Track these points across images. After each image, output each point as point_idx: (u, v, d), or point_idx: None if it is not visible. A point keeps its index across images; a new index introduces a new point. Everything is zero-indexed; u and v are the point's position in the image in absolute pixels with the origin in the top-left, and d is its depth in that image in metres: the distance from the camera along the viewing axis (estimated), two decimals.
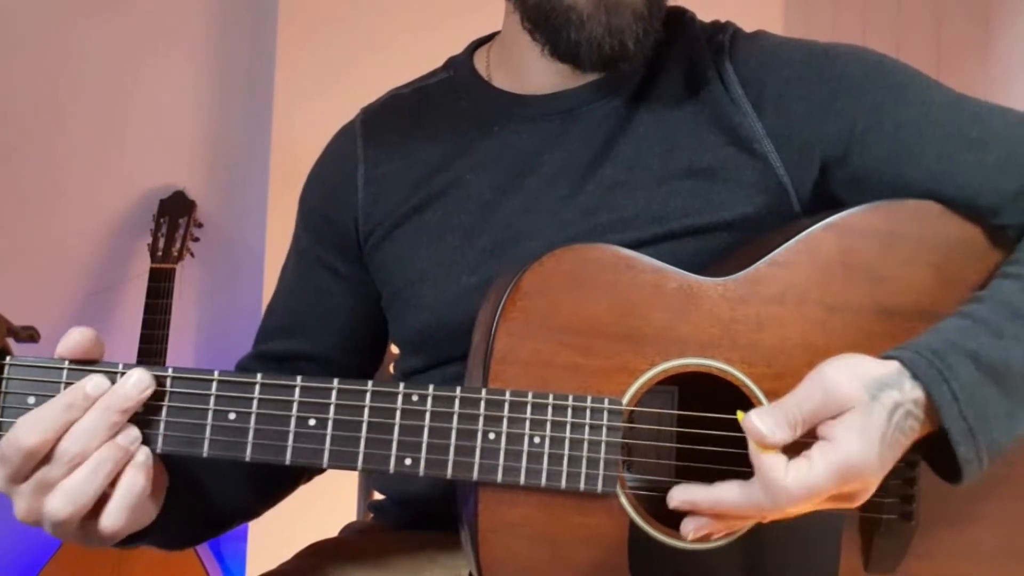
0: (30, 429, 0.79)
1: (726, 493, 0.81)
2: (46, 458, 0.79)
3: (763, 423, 0.79)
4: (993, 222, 0.94)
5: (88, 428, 0.79)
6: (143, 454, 0.82)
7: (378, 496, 1.23)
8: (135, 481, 0.81)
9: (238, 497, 1.08)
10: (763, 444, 0.79)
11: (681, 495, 0.82)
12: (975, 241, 0.94)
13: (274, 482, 1.14)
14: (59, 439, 0.79)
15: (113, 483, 0.81)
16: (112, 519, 0.81)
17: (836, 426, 0.79)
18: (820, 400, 0.80)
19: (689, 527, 0.83)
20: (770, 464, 0.78)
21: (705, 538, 0.84)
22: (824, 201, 1.01)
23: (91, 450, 0.79)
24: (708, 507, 0.81)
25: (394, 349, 1.25)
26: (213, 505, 1.03)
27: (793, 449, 0.79)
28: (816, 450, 0.79)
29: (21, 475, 0.80)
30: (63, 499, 0.79)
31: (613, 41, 1.00)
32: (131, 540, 0.90)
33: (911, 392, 0.81)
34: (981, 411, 0.81)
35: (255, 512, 1.15)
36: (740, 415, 0.81)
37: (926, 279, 0.92)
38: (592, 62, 1.02)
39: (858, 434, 0.78)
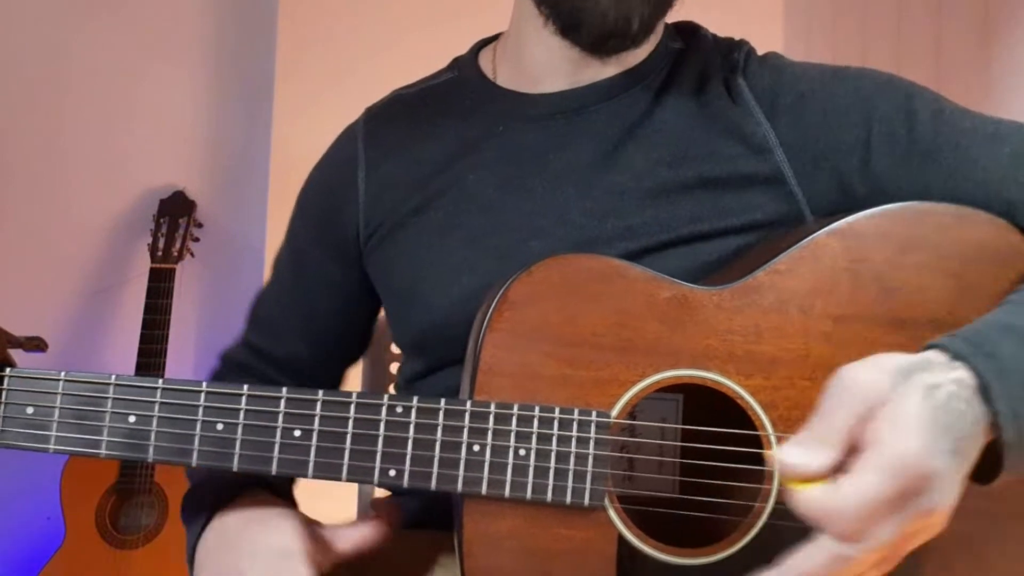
0: None
1: (800, 561, 0.71)
2: None
3: (796, 457, 0.71)
4: (1017, 218, 0.90)
5: None
6: None
7: (379, 493, 1.22)
8: None
9: None
10: (804, 477, 0.70)
11: None
12: (995, 246, 0.89)
13: None
14: None
15: None
16: None
17: (871, 429, 0.70)
18: (846, 404, 0.71)
19: None
20: (814, 497, 0.70)
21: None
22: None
23: None
24: None
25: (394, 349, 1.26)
26: None
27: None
28: (859, 460, 0.70)
29: None
30: None
31: (618, 15, 0.99)
32: None
33: (949, 372, 0.73)
34: None
35: None
36: (768, 455, 0.74)
37: (942, 287, 0.88)
38: (593, 34, 1.00)
39: (894, 425, 0.69)
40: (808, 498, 0.70)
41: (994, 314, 0.81)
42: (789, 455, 0.71)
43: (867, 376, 0.72)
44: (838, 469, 0.71)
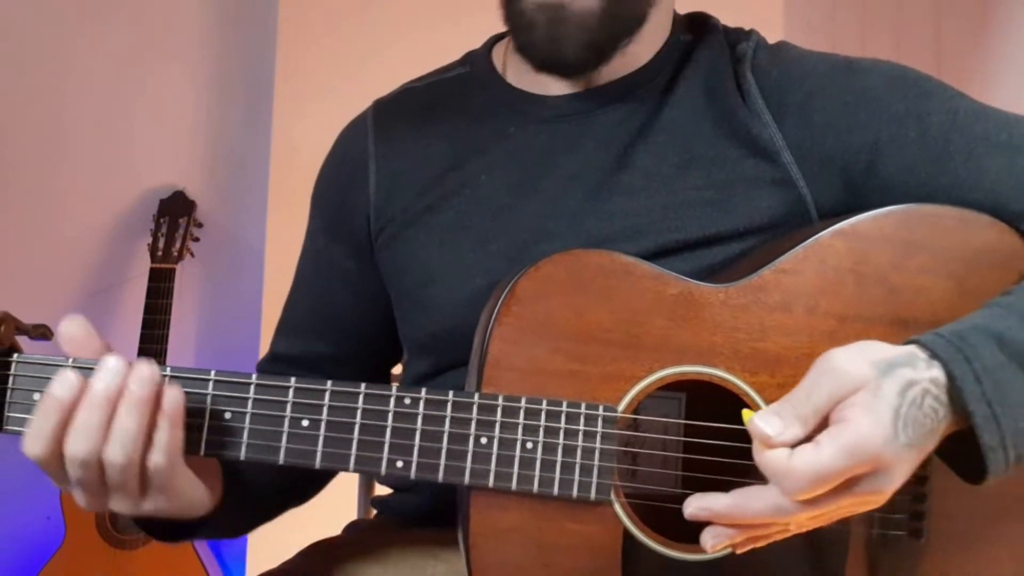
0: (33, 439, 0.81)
1: (744, 498, 0.78)
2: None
3: (769, 425, 0.76)
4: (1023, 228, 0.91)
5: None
6: (172, 402, 0.82)
7: (381, 491, 1.22)
8: (166, 427, 0.82)
9: (282, 482, 1.10)
10: (769, 445, 0.76)
11: (697, 502, 0.80)
12: (998, 250, 0.90)
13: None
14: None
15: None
16: (158, 458, 0.82)
17: (844, 407, 0.75)
18: (828, 386, 0.76)
19: (708, 538, 0.80)
20: (773, 455, 0.75)
21: (732, 549, 0.81)
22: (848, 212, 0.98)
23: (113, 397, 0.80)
24: (726, 514, 0.79)
25: None
26: (264, 491, 1.05)
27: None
28: (824, 433, 0.75)
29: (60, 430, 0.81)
30: (118, 445, 0.80)
31: (553, 47, 1.00)
32: (190, 531, 0.94)
33: (927, 371, 0.77)
34: (1005, 395, 0.77)
35: (305, 495, 1.18)
36: (747, 415, 0.78)
37: (944, 289, 0.88)
38: (538, 64, 1.03)
39: (865, 410, 0.74)
40: (768, 456, 0.76)
41: (980, 316, 0.82)
42: (766, 424, 0.76)
43: (853, 365, 0.76)
44: (807, 438, 0.76)
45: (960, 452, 0.80)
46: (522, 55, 1.04)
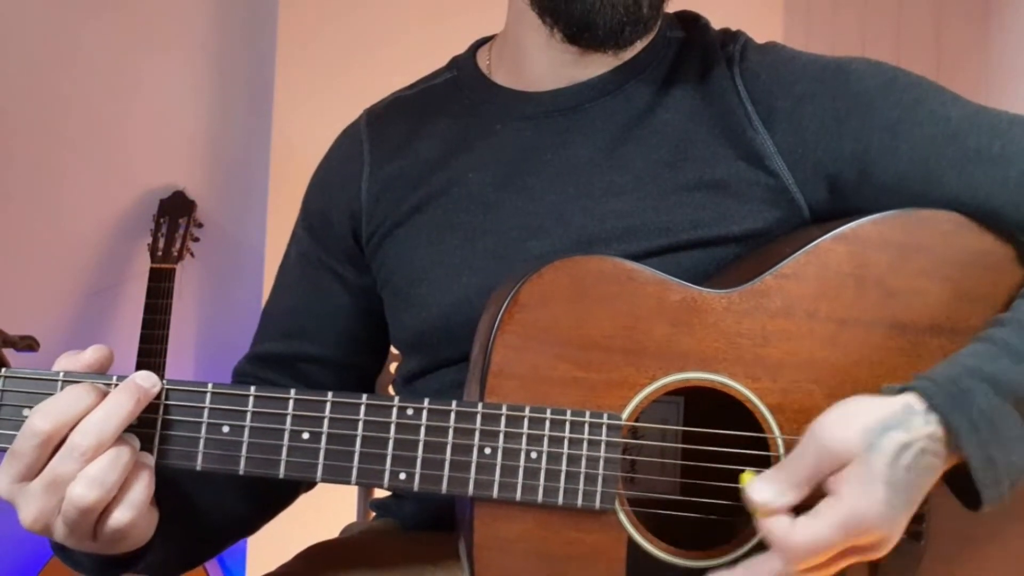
0: (44, 416, 0.78)
1: (752, 570, 0.80)
2: (56, 450, 0.78)
3: (763, 493, 0.79)
4: (1020, 239, 0.91)
5: (101, 420, 0.78)
6: (148, 457, 0.82)
7: (380, 494, 1.21)
8: (144, 480, 0.81)
9: (233, 510, 1.07)
10: (766, 512, 0.78)
11: None
12: (994, 254, 0.90)
13: (270, 493, 1.13)
14: (72, 429, 0.78)
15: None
16: (122, 514, 0.80)
17: (838, 481, 0.78)
18: (817, 456, 0.78)
19: None
20: (775, 526, 0.78)
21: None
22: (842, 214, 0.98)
23: (107, 442, 0.78)
24: None
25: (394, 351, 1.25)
26: (207, 520, 1.02)
27: (806, 505, 0.78)
28: (823, 504, 0.78)
29: (34, 469, 0.78)
30: (87, 484, 0.77)
31: (628, 1, 0.98)
32: (126, 565, 0.90)
33: (923, 428, 0.78)
34: (1000, 433, 0.79)
35: (253, 525, 1.14)
36: (744, 479, 0.80)
37: (941, 293, 0.89)
38: (608, 27, 0.99)
39: (858, 484, 0.77)
40: (769, 528, 0.79)
41: (973, 355, 0.83)
42: (758, 492, 0.79)
43: (840, 437, 0.78)
44: (802, 504, 0.79)
45: (957, 480, 0.82)
46: (576, 24, 1.01)
